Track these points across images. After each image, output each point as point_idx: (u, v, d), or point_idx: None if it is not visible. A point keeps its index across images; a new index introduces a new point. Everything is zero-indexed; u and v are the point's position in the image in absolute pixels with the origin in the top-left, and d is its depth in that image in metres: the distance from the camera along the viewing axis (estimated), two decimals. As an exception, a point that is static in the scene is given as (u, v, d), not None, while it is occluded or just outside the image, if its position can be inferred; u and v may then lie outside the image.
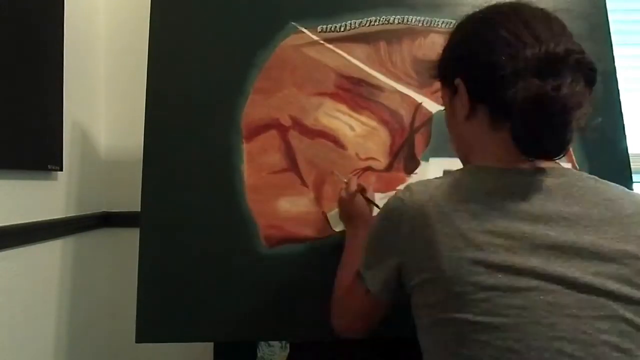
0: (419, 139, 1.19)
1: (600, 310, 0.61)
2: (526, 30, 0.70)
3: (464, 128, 0.78)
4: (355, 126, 1.19)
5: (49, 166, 1.29)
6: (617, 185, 0.72)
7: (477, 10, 0.80)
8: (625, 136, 1.18)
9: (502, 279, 0.63)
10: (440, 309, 0.68)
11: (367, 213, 1.06)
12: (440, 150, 1.17)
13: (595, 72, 0.68)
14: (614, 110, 1.19)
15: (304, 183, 1.17)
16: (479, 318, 0.63)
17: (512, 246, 0.64)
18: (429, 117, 1.19)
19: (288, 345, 1.31)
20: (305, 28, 1.21)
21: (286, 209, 1.15)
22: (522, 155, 0.69)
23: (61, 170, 1.34)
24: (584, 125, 0.67)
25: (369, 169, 1.17)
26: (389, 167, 1.18)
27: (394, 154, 1.18)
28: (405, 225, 0.72)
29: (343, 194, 1.08)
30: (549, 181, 0.69)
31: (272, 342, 1.32)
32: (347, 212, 1.07)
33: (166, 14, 1.22)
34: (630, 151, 1.18)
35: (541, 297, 0.62)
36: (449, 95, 0.81)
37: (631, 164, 1.17)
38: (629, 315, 0.61)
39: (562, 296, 0.62)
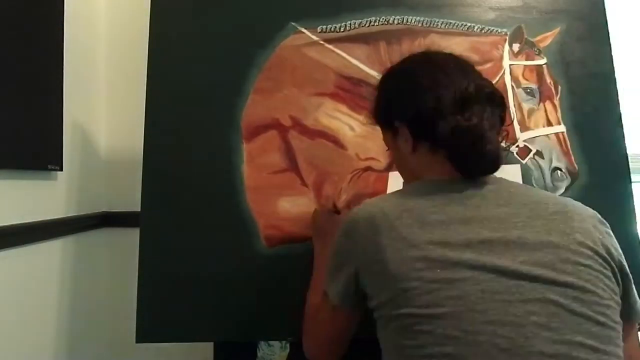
0: (418, 139, 1.19)
1: (528, 294, 0.69)
2: (441, 75, 0.83)
3: (410, 160, 0.88)
4: (355, 126, 1.19)
5: (49, 166, 1.30)
6: (544, 190, 0.85)
7: (397, 63, 0.95)
8: (623, 136, 1.18)
9: (440, 273, 0.71)
10: (390, 307, 0.74)
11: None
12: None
13: (502, 99, 0.83)
14: (613, 110, 1.19)
15: (303, 183, 1.17)
16: (423, 310, 0.70)
17: (449, 244, 0.73)
18: (429, 117, 1.20)
19: (288, 344, 1.31)
20: (305, 28, 1.22)
21: (286, 209, 1.15)
22: (462, 175, 0.81)
23: (61, 170, 1.35)
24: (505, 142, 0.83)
25: (368, 169, 1.18)
26: (389, 167, 1.18)
27: (393, 154, 1.19)
28: (358, 234, 0.80)
29: (318, 209, 1.13)
30: (483, 188, 0.80)
31: (272, 342, 1.33)
32: (320, 228, 1.09)
33: (166, 15, 1.22)
34: (628, 151, 1.18)
35: (474, 286, 0.69)
36: (391, 135, 0.92)
37: (630, 164, 1.17)
38: (554, 297, 0.69)
39: (493, 284, 0.69)
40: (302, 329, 0.98)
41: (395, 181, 1.17)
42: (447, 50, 1.15)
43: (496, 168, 0.81)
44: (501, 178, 0.83)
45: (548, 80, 1.22)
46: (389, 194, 0.87)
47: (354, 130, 1.19)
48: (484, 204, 0.78)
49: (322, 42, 1.21)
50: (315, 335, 0.95)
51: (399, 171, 0.98)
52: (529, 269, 0.70)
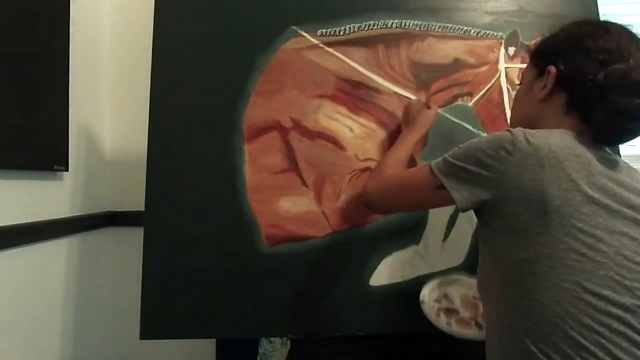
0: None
1: None
2: (631, 46, 0.81)
3: (536, 107, 0.90)
4: (355, 128, 1.21)
5: (55, 166, 1.32)
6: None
7: (588, 19, 0.92)
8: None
9: (602, 221, 0.75)
10: (544, 239, 0.75)
11: (426, 123, 1.15)
12: (437, 151, 1.20)
13: None
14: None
15: (304, 183, 1.19)
16: (583, 250, 0.73)
17: (614, 197, 0.76)
18: (426, 119, 1.22)
19: (289, 341, 1.33)
20: (306, 32, 1.24)
21: (287, 208, 1.17)
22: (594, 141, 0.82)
23: (67, 170, 1.37)
24: None
25: (367, 169, 1.20)
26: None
27: (392, 155, 1.20)
28: (516, 159, 0.78)
29: (413, 102, 1.20)
30: (612, 156, 0.82)
31: (273, 339, 1.34)
32: (410, 116, 1.16)
33: (170, 18, 1.24)
34: (622, 152, 1.19)
35: (633, 241, 0.75)
36: (533, 75, 0.92)
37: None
38: None
39: None
40: (369, 181, 1.05)
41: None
42: (445, 53, 1.19)
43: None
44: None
45: (543, 82, 1.24)
46: (545, 130, 0.82)
47: (354, 131, 1.21)
48: (618, 171, 0.81)
49: (322, 45, 1.23)
50: (398, 194, 0.98)
51: (512, 110, 1.02)
52: None
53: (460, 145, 0.86)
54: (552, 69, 0.87)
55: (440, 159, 0.87)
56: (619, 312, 0.71)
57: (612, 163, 0.81)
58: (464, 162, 0.83)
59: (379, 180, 1.03)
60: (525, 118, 0.92)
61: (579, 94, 0.83)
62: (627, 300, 0.72)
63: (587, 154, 0.79)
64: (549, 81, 0.87)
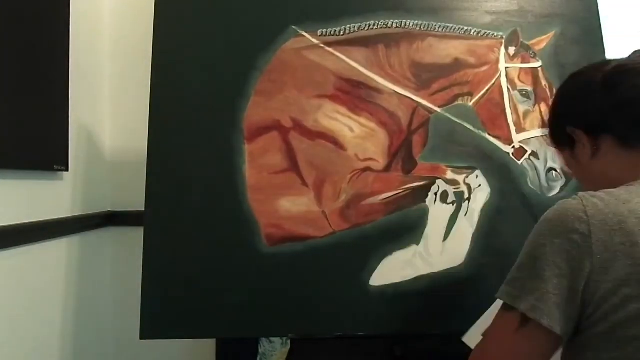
0: (416, 140, 1.21)
1: None
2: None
3: (593, 167, 0.81)
4: (355, 128, 1.21)
5: (55, 166, 1.32)
6: None
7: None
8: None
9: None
10: (606, 319, 0.65)
11: None
12: (437, 152, 1.20)
13: None
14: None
15: (304, 183, 1.19)
16: None
17: None
18: (427, 119, 1.22)
19: (289, 341, 1.33)
20: (306, 32, 1.24)
21: (287, 208, 1.17)
22: None
23: (67, 170, 1.37)
24: None
25: (367, 169, 1.20)
26: (388, 168, 1.20)
27: (392, 155, 1.21)
28: (585, 233, 0.66)
29: None
30: None
31: (273, 338, 1.35)
32: None
33: (170, 18, 1.24)
34: None
35: None
36: (569, 150, 0.85)
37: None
38: None
39: None
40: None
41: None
42: (445, 53, 1.17)
43: None
44: None
45: (543, 82, 1.24)
46: (600, 193, 0.72)
47: (354, 131, 1.21)
48: None
49: (322, 45, 1.23)
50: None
51: (585, 187, 0.84)
52: None
53: None
54: (573, 130, 0.82)
55: None
56: None
57: None
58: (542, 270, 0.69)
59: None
60: (598, 184, 0.78)
61: (601, 124, 0.78)
62: None
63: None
64: (581, 139, 0.81)
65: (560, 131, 0.85)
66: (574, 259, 0.66)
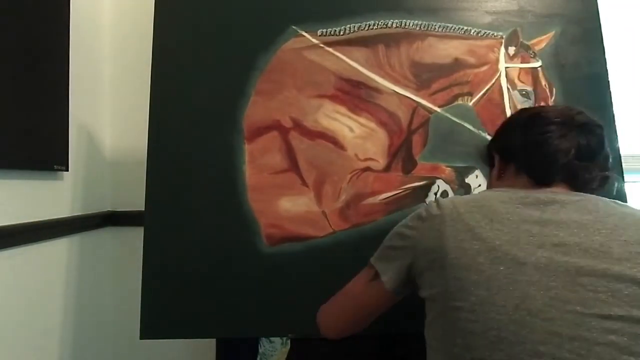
0: (416, 140, 1.21)
1: (609, 310, 0.60)
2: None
3: (497, 185, 0.93)
4: (355, 127, 1.21)
5: (55, 166, 1.32)
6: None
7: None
8: (617, 137, 1.20)
9: (503, 271, 0.66)
10: (441, 300, 0.72)
11: None
12: (436, 151, 1.20)
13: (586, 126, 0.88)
14: (606, 112, 1.21)
15: (304, 183, 1.19)
16: (476, 307, 0.66)
17: (518, 242, 0.68)
18: (426, 119, 1.22)
19: (289, 341, 1.33)
20: (306, 32, 1.24)
21: (287, 208, 1.17)
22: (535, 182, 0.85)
23: (67, 170, 1.37)
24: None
25: (367, 169, 1.20)
26: (387, 168, 1.20)
27: (392, 155, 1.21)
28: (427, 223, 0.81)
29: None
30: (564, 198, 0.77)
31: (273, 338, 1.35)
32: None
33: (170, 18, 1.24)
34: (622, 152, 1.20)
35: (542, 292, 0.63)
36: (490, 168, 1.02)
37: (623, 164, 1.19)
38: None
39: (566, 292, 0.62)
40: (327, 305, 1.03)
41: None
42: (445, 53, 1.18)
43: (569, 177, 0.82)
44: (590, 195, 0.79)
45: (543, 82, 1.24)
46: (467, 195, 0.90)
47: (353, 131, 1.21)
48: (563, 210, 0.73)
49: (322, 45, 1.24)
50: (344, 305, 0.99)
51: None
52: (609, 281, 0.62)
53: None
54: (494, 154, 0.98)
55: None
56: None
57: (552, 202, 0.75)
58: (390, 241, 0.90)
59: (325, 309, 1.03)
60: None
61: (509, 154, 0.93)
62: None
63: (496, 205, 0.76)
64: (497, 163, 0.96)
65: (488, 152, 1.03)
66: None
